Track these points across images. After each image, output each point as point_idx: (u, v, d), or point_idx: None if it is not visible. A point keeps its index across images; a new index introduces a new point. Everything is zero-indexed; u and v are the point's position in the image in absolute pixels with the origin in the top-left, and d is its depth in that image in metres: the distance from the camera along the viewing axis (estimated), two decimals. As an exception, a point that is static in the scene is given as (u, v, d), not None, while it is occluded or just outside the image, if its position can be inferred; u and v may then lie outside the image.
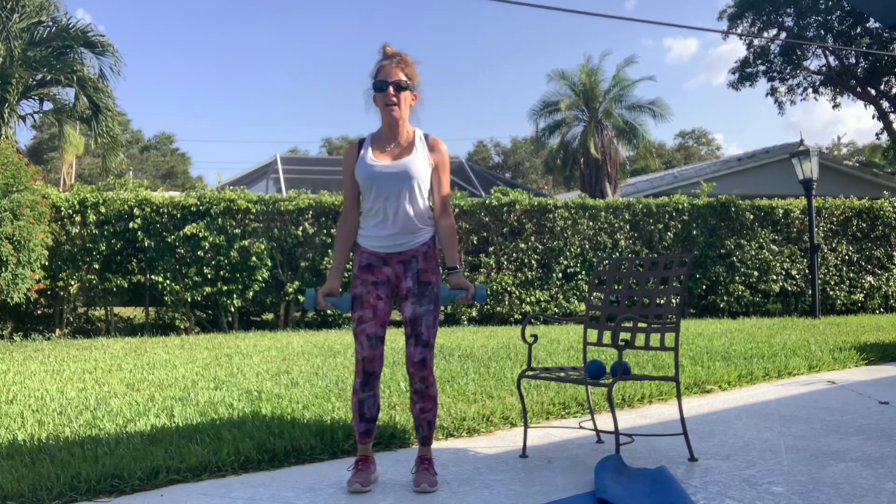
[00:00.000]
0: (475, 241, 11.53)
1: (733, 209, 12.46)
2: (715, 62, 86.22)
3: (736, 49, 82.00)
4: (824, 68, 23.42)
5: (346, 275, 10.73)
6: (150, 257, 10.26)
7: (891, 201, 13.51)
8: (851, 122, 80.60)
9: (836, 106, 24.18)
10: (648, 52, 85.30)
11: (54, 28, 14.67)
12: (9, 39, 13.85)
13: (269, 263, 10.59)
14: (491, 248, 11.54)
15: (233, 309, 10.64)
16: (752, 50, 23.76)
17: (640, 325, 3.81)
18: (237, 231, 10.46)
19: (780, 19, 22.55)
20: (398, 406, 4.52)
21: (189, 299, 10.31)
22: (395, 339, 8.56)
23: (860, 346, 7.39)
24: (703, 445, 3.73)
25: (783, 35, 22.65)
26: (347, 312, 3.07)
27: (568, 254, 11.71)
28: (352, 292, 3.10)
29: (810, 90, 24.11)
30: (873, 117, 23.12)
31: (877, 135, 24.52)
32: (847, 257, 13.14)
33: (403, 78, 3.05)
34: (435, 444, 3.79)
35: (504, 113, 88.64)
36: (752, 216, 12.55)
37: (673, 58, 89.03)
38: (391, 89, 3.03)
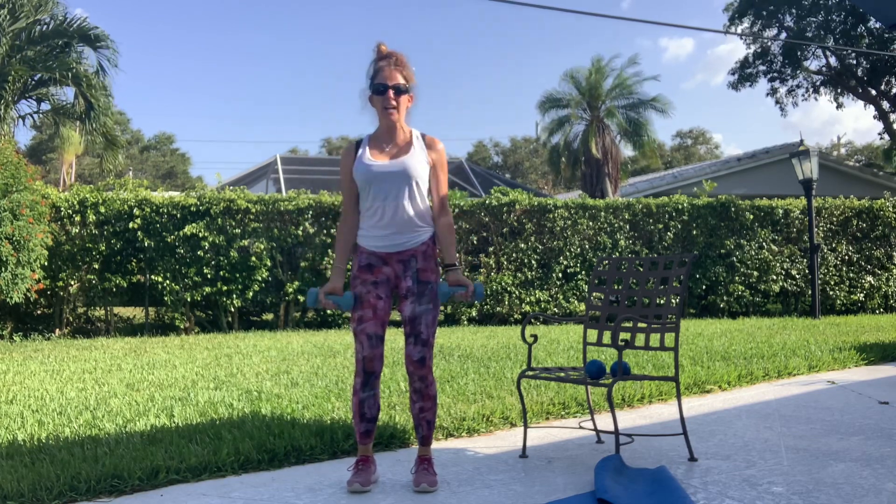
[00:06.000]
0: (475, 241, 11.53)
1: (733, 209, 12.46)
2: (713, 62, 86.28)
3: (734, 49, 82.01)
4: (824, 68, 23.42)
5: (347, 274, 10.74)
6: (150, 257, 10.26)
7: (891, 201, 13.52)
8: (850, 122, 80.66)
9: (839, 106, 24.16)
10: (645, 52, 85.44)
11: (51, 25, 14.65)
12: (4, 37, 13.82)
13: (269, 263, 10.59)
14: (491, 248, 11.53)
15: (233, 309, 10.64)
16: (752, 50, 23.77)
17: (640, 325, 3.81)
18: (237, 231, 10.46)
19: (782, 18, 22.55)
20: (398, 406, 4.52)
21: (189, 299, 10.31)
22: (395, 339, 8.56)
23: (860, 346, 7.39)
24: (703, 445, 3.73)
25: (784, 35, 22.65)
26: (349, 311, 3.06)
27: (568, 254, 11.71)
28: (351, 292, 3.10)
29: (811, 90, 24.12)
30: (874, 117, 23.13)
31: (879, 134, 24.52)
32: (847, 257, 13.14)
33: (402, 81, 3.05)
34: (435, 444, 3.79)
35: (504, 113, 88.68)
36: (752, 216, 12.55)
37: (669, 58, 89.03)
38: (391, 93, 3.03)
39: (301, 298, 10.72)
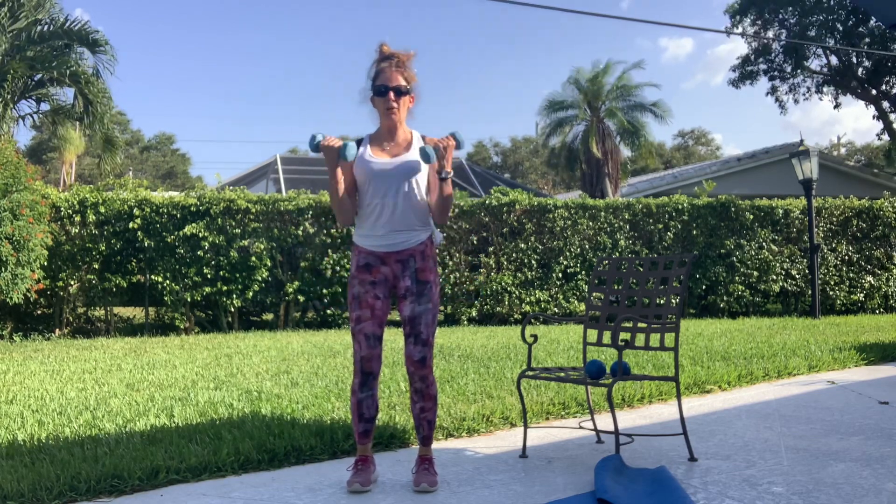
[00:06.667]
0: (475, 241, 11.53)
1: (733, 209, 12.46)
2: (712, 62, 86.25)
3: (735, 49, 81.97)
4: (825, 68, 23.43)
5: (344, 270, 10.73)
6: (150, 257, 10.26)
7: (891, 201, 13.51)
8: (849, 122, 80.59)
9: (837, 105, 24.17)
10: (644, 52, 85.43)
11: (52, 26, 14.64)
12: (4, 36, 13.81)
13: (269, 263, 10.59)
14: (491, 248, 11.53)
15: (232, 309, 10.64)
16: (754, 48, 23.77)
17: (640, 325, 3.81)
18: (237, 231, 10.46)
19: (784, 17, 22.56)
20: (398, 406, 4.52)
21: (189, 299, 10.31)
22: (395, 340, 8.56)
23: (860, 346, 7.39)
24: (703, 445, 3.73)
25: (784, 33, 22.67)
26: (350, 159, 2.99)
27: (568, 254, 11.71)
28: (350, 292, 3.11)
29: (812, 90, 24.13)
30: (874, 117, 23.13)
31: (878, 135, 24.51)
32: (847, 257, 13.14)
33: (403, 83, 3.06)
34: (435, 444, 3.79)
35: (503, 113, 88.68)
36: (752, 216, 12.54)
37: (668, 58, 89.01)
38: (391, 95, 3.04)
39: (301, 298, 10.72)
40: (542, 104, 20.16)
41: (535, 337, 3.80)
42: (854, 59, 22.46)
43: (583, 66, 21.05)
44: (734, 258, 12.38)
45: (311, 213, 10.83)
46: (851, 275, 13.09)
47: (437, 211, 3.09)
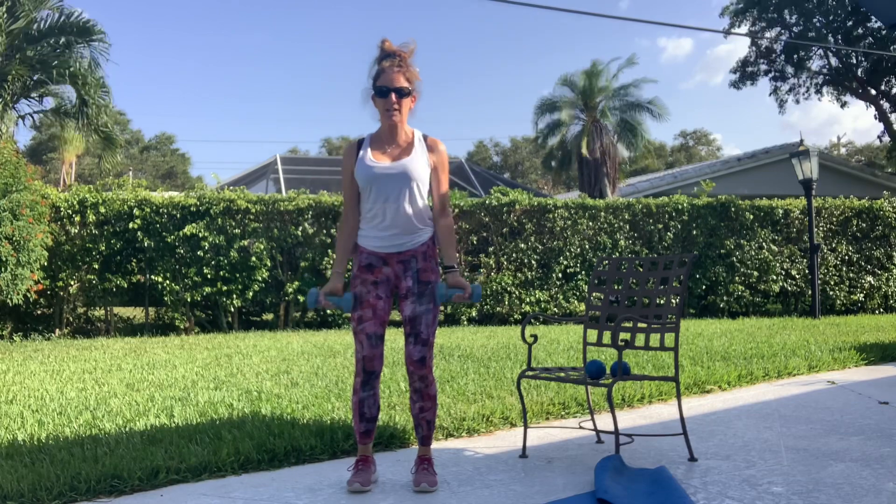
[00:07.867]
0: (475, 241, 11.52)
1: (733, 209, 12.46)
2: (711, 62, 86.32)
3: (735, 49, 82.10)
4: (825, 68, 23.43)
5: (347, 275, 10.73)
6: (150, 257, 10.25)
7: (891, 201, 13.51)
8: (849, 122, 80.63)
9: (843, 105, 24.16)
10: (643, 52, 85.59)
11: (48, 21, 14.60)
12: (2, 36, 13.79)
13: (269, 263, 10.58)
14: (491, 248, 11.53)
15: (232, 309, 10.63)
16: (754, 48, 23.78)
17: (640, 325, 3.81)
18: (237, 231, 10.46)
19: (784, 18, 22.56)
20: (398, 406, 4.52)
21: (189, 299, 10.31)
22: (395, 340, 8.56)
23: (860, 346, 7.39)
24: (702, 445, 3.73)
25: (785, 34, 22.67)
26: (349, 312, 3.09)
27: (568, 254, 11.70)
28: (352, 292, 3.11)
29: (812, 90, 24.14)
30: (875, 118, 23.12)
31: (879, 137, 24.50)
32: (847, 257, 13.14)
33: (405, 84, 3.04)
34: (435, 444, 3.79)
35: (504, 113, 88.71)
36: (752, 216, 12.54)
37: (668, 58, 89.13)
38: (393, 96, 3.02)
39: (301, 298, 10.72)
40: (536, 104, 20.22)
41: (535, 337, 3.80)
42: (854, 60, 22.46)
43: (577, 69, 21.15)
44: (734, 258, 12.37)
45: (310, 213, 10.83)
46: (851, 275, 13.09)
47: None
